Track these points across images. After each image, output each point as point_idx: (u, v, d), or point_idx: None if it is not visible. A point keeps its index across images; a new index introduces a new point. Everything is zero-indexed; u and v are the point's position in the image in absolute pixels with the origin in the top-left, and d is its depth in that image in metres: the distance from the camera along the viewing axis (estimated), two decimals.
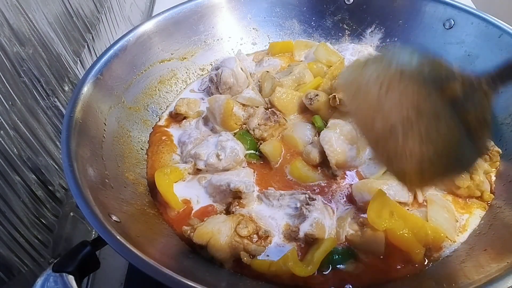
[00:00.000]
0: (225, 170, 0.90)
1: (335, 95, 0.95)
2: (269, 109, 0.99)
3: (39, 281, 0.60)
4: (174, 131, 1.04)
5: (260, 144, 0.96)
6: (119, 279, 0.89)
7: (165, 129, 1.05)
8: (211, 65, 1.18)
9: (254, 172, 0.93)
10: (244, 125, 1.00)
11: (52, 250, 0.87)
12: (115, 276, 0.90)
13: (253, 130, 0.97)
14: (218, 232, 0.77)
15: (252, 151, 0.96)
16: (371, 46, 1.22)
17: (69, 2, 1.09)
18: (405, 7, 1.16)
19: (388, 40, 1.20)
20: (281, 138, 0.98)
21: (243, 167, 0.93)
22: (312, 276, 0.74)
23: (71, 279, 0.60)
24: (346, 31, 1.24)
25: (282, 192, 0.86)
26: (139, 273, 0.61)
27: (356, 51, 1.17)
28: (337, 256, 0.77)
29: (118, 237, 0.64)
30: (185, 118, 1.05)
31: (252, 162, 0.95)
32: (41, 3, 0.97)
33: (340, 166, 0.89)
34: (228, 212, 0.85)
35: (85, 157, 0.78)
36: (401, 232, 0.76)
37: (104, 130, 0.90)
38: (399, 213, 0.78)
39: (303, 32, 1.25)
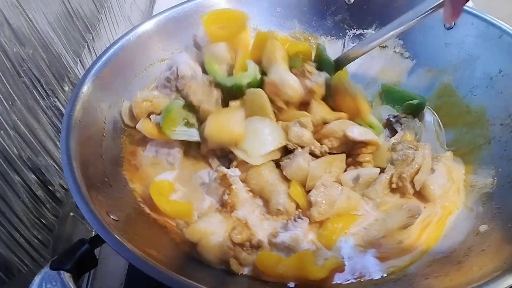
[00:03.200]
0: None
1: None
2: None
3: (37, 279, 0.60)
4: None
5: None
6: (119, 279, 0.89)
7: None
8: None
9: None
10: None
11: (52, 250, 0.87)
12: (115, 276, 0.90)
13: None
14: (212, 233, 0.74)
15: None
16: None
17: (69, 2, 1.09)
18: (405, 7, 1.16)
19: (388, 40, 1.20)
20: None
21: None
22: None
23: (68, 277, 0.61)
24: (347, 31, 1.24)
25: None
26: (139, 273, 0.61)
27: None
28: None
29: (116, 235, 0.64)
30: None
31: None
32: (41, 3, 0.97)
33: None
34: (222, 204, 0.84)
35: (84, 156, 0.78)
36: None
37: (104, 129, 0.90)
38: None
39: (303, 31, 1.25)
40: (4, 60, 0.82)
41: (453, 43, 1.10)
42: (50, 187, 0.91)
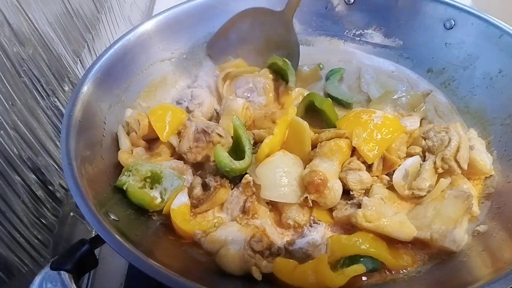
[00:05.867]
0: None
1: None
2: (200, 127, 0.89)
3: (37, 279, 0.60)
4: None
5: None
6: (119, 279, 0.89)
7: None
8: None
9: None
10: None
11: (52, 250, 0.87)
12: (115, 276, 0.90)
13: (186, 155, 0.88)
14: (231, 242, 0.75)
15: None
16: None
17: (69, 2, 1.09)
18: (405, 7, 1.16)
19: (388, 40, 1.20)
20: None
21: None
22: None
23: (69, 277, 0.61)
24: (347, 31, 1.24)
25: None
26: (139, 273, 0.61)
27: None
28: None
29: (116, 235, 0.64)
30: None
31: None
32: (41, 3, 0.97)
33: None
34: (244, 211, 0.83)
35: (84, 156, 0.79)
36: None
37: (104, 129, 0.90)
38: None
39: (303, 31, 1.25)
40: (4, 60, 0.82)
41: (453, 43, 1.10)
42: (50, 187, 0.91)
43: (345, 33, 1.24)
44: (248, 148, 0.85)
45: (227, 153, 0.84)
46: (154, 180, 0.84)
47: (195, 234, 0.78)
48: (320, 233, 0.79)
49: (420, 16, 1.14)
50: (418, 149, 0.89)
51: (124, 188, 0.81)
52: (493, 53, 1.02)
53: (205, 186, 0.86)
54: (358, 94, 1.13)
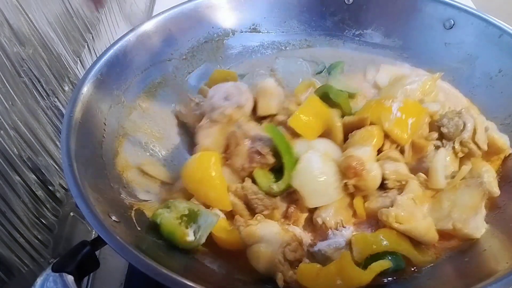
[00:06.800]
0: None
1: None
2: (255, 147, 0.83)
3: (39, 281, 0.60)
4: None
5: None
6: (119, 279, 0.89)
7: None
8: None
9: None
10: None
11: (52, 250, 0.87)
12: (115, 276, 0.90)
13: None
14: (267, 241, 0.72)
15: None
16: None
17: (69, 2, 1.09)
18: (405, 7, 1.16)
19: (388, 40, 1.20)
20: None
21: None
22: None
23: (70, 279, 0.61)
24: (346, 31, 1.24)
25: None
26: (139, 273, 0.61)
27: None
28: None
29: (117, 237, 0.64)
30: None
31: None
32: (41, 3, 0.97)
33: None
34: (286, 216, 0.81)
35: (85, 157, 0.78)
36: None
37: (104, 130, 0.90)
38: None
39: (302, 31, 1.25)
40: (4, 60, 0.82)
41: (453, 43, 1.10)
42: (50, 187, 0.91)
43: (344, 33, 1.24)
44: (288, 160, 0.81)
45: (266, 175, 0.83)
46: (190, 218, 0.78)
47: (236, 220, 0.76)
48: (345, 236, 0.77)
49: (420, 16, 1.14)
50: (435, 135, 0.88)
51: (158, 222, 0.77)
52: (493, 53, 1.02)
53: (249, 209, 0.82)
54: (361, 84, 1.12)
